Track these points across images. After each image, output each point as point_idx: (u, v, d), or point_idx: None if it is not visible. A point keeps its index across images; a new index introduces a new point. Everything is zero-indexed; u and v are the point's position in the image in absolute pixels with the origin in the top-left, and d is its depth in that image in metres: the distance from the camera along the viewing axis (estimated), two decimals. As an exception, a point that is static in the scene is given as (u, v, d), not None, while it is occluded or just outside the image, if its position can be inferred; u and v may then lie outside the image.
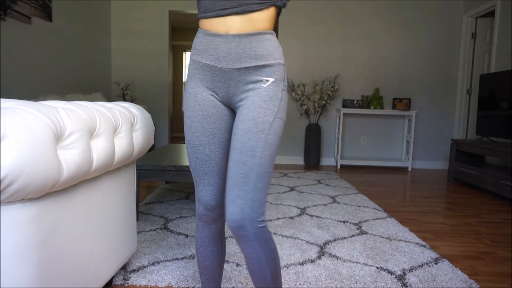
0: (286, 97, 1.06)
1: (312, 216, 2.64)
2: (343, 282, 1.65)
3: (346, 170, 4.80)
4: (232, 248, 2.00)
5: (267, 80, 1.03)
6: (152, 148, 5.23)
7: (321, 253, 1.96)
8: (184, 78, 9.35)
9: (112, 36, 5.34)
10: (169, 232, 2.23)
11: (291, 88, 5.13)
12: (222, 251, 1.20)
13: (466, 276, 1.75)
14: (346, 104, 5.02)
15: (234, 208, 0.96)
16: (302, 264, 1.82)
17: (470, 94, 4.99)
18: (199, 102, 1.06)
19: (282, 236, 2.21)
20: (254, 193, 0.97)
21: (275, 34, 1.07)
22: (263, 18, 1.02)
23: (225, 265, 1.78)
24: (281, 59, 1.06)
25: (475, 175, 3.71)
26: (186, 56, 9.31)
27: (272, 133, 1.00)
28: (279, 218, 2.55)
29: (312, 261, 1.86)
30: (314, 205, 2.92)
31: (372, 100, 4.97)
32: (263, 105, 1.01)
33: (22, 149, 0.82)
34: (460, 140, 4.10)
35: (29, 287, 0.93)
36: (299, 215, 2.66)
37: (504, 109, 3.59)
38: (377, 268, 1.81)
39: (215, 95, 1.06)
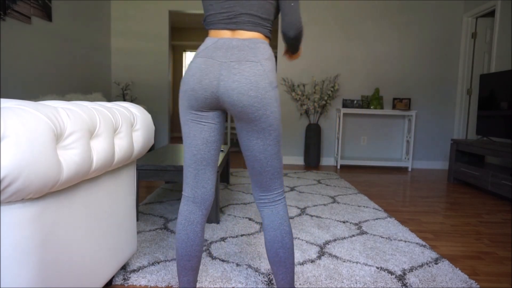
0: None
1: (312, 216, 2.64)
2: (343, 282, 1.65)
3: (346, 170, 4.80)
4: (232, 248, 2.00)
5: None
6: (152, 148, 5.23)
7: (321, 253, 1.96)
8: (184, 78, 9.33)
9: (112, 36, 5.34)
10: (169, 232, 2.23)
11: (291, 88, 5.13)
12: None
13: (466, 276, 1.75)
14: (346, 104, 5.02)
15: None
16: (302, 264, 1.82)
17: (470, 94, 4.99)
18: None
19: (282, 236, 2.21)
20: None
21: None
22: None
23: (225, 265, 1.78)
24: None
25: (475, 175, 3.71)
26: (186, 56, 9.30)
27: None
28: (279, 218, 2.55)
29: (312, 261, 1.86)
30: (314, 205, 2.92)
31: (372, 100, 4.97)
32: None
33: (22, 149, 0.82)
34: (460, 140, 4.10)
35: (29, 287, 0.93)
36: (299, 215, 2.65)
37: (504, 109, 3.59)
38: (377, 268, 1.81)
39: None
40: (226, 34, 1.13)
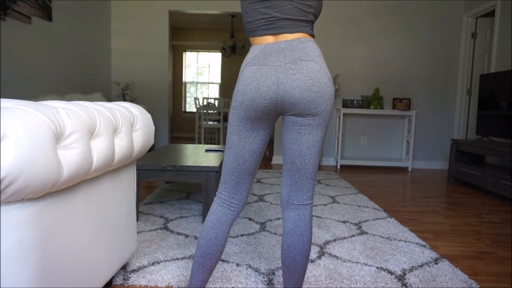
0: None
1: (312, 216, 2.64)
2: (343, 282, 1.65)
3: (346, 170, 4.80)
4: (232, 248, 2.00)
5: None
6: (152, 148, 5.23)
7: (321, 253, 1.96)
8: (184, 78, 9.33)
9: (112, 36, 5.34)
10: (169, 232, 2.23)
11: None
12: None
13: (466, 276, 1.75)
14: (346, 104, 5.02)
15: None
16: (302, 264, 1.82)
17: (470, 94, 4.99)
18: None
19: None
20: None
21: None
22: None
23: (225, 265, 1.78)
24: None
25: (475, 175, 3.71)
26: (186, 56, 9.30)
27: None
28: (279, 218, 2.55)
29: (312, 261, 1.86)
30: (314, 205, 2.92)
31: (372, 100, 4.97)
32: None
33: (22, 149, 0.82)
34: (460, 140, 4.10)
35: (29, 287, 0.93)
36: (299, 215, 2.65)
37: (504, 109, 3.59)
38: (377, 268, 1.81)
39: None
40: (270, 39, 1.12)
